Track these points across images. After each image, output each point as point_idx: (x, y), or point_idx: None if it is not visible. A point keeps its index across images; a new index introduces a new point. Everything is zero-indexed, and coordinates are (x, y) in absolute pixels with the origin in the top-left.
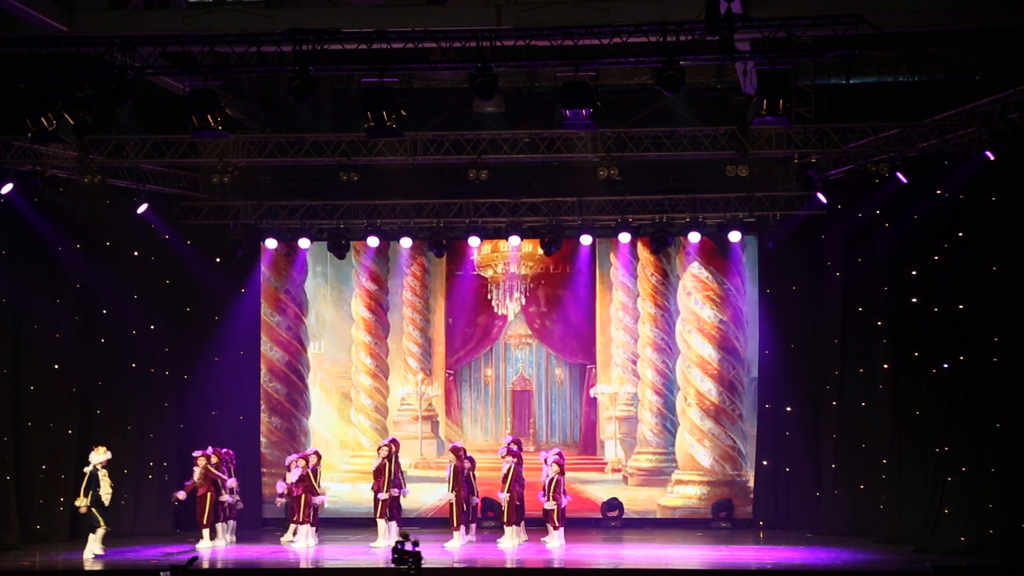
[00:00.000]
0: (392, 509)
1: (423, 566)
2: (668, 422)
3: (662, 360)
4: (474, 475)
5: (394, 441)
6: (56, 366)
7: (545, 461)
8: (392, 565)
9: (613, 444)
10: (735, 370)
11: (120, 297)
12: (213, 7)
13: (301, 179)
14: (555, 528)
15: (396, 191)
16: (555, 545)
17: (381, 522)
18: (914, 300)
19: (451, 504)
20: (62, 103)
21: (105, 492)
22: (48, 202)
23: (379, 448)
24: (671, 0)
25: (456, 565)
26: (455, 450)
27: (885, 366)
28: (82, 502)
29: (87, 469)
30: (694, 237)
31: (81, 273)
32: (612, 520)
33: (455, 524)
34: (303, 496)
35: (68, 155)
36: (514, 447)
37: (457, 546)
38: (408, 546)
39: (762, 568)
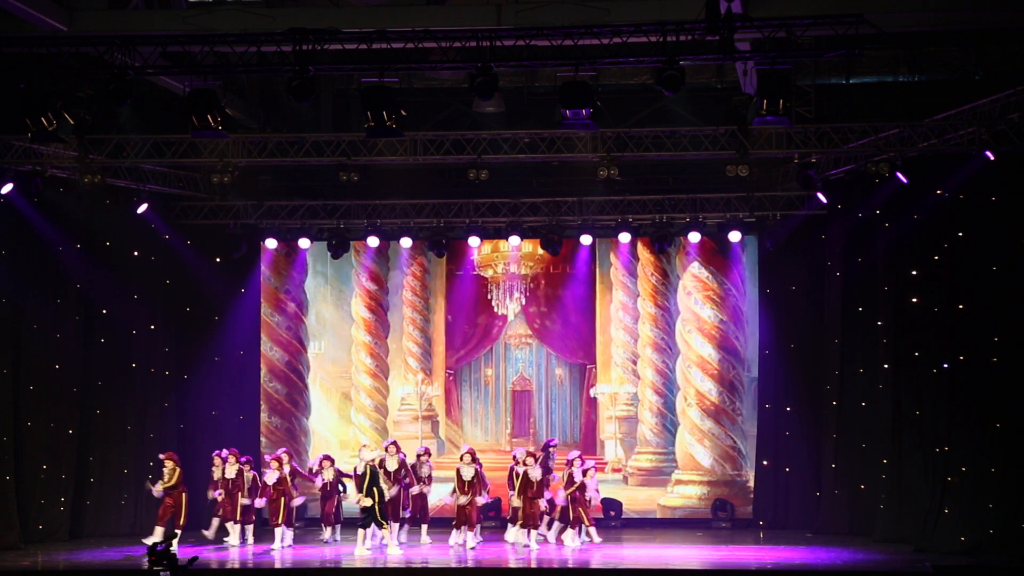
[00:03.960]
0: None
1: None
2: (668, 422)
3: (662, 360)
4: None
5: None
6: (56, 366)
7: (571, 464)
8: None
9: (613, 444)
10: (735, 370)
11: (120, 297)
12: (213, 7)
13: (301, 179)
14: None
15: (396, 191)
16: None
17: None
18: (914, 300)
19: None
20: (62, 103)
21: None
22: (48, 202)
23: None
24: (671, 0)
25: (455, 565)
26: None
27: (885, 366)
28: (365, 501)
29: (360, 468)
30: (694, 237)
31: (81, 273)
32: (612, 520)
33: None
34: (281, 499)
35: (68, 155)
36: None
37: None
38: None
39: (762, 568)
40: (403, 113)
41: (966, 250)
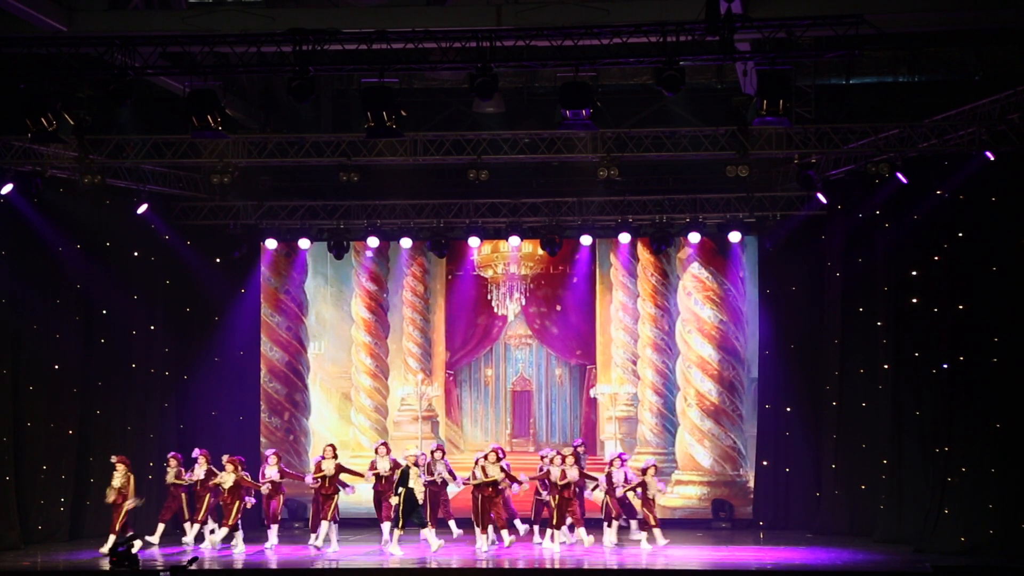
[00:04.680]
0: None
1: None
2: (668, 422)
3: (662, 360)
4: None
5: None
6: (56, 366)
7: (611, 464)
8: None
9: (613, 444)
10: (735, 370)
11: (120, 297)
12: (213, 7)
13: (301, 179)
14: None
15: (396, 191)
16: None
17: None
18: (914, 300)
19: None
20: (62, 103)
21: (418, 489)
22: (48, 202)
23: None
24: (671, 0)
25: (458, 565)
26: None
27: (885, 366)
28: (393, 499)
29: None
30: (694, 237)
31: (81, 273)
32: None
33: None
34: (236, 502)
35: (68, 155)
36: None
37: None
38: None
39: (762, 568)
40: (403, 113)
41: (966, 250)
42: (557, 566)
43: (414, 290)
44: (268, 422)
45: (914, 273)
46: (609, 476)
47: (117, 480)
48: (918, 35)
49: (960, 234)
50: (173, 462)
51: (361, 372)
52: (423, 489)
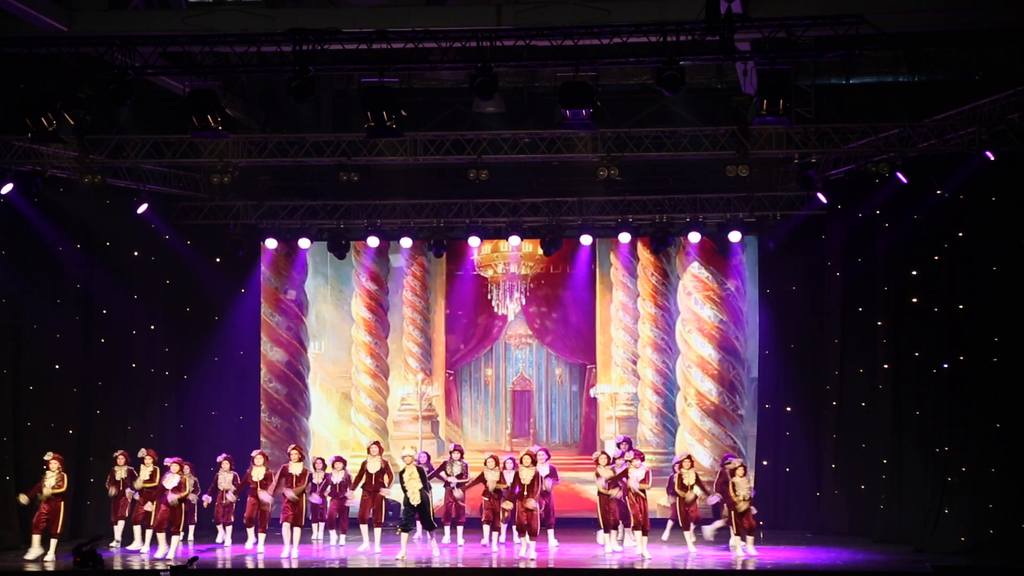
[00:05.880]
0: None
1: None
2: (668, 422)
3: (662, 360)
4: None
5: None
6: (56, 366)
7: (681, 465)
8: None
9: (613, 444)
10: (735, 370)
11: (120, 297)
12: (213, 7)
13: (301, 179)
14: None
15: (396, 191)
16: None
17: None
18: (914, 300)
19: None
20: (62, 103)
21: (412, 491)
22: (48, 202)
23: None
24: (671, 0)
25: (460, 565)
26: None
27: (885, 366)
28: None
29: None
30: (694, 237)
31: (81, 273)
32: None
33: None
34: (181, 506)
35: (68, 155)
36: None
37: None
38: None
39: (762, 568)
40: (403, 113)
41: (966, 250)
42: (558, 567)
43: (414, 290)
44: (268, 422)
45: (914, 273)
46: (680, 478)
47: (52, 479)
48: (918, 35)
49: (960, 234)
50: (121, 459)
51: (361, 372)
52: (418, 491)
